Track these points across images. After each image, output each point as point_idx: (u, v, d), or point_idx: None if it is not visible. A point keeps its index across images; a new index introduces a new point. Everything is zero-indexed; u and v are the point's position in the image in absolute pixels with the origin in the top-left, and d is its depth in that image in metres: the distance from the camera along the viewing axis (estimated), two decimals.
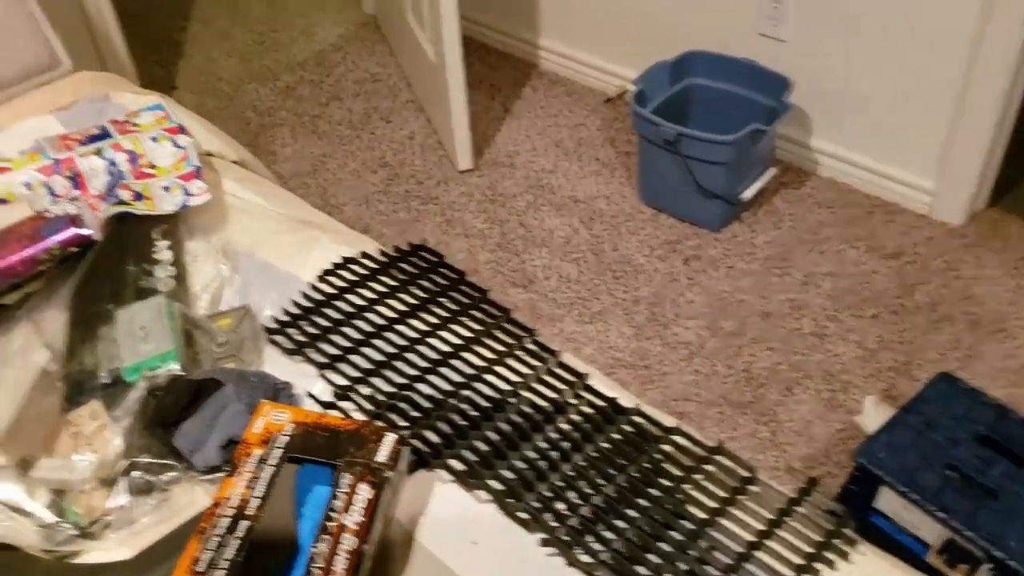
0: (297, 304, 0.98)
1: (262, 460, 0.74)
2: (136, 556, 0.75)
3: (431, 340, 0.94)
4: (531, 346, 0.94)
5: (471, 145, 2.09)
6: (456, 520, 0.78)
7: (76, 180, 1.07)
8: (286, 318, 0.96)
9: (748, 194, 1.80)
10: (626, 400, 0.88)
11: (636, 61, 2.10)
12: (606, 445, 0.83)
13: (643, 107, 1.81)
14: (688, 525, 0.76)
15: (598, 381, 0.91)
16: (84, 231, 0.95)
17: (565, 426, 0.85)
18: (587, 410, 0.86)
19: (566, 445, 0.83)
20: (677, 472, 0.81)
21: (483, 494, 0.80)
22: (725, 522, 0.77)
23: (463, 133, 2.03)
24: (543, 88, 2.37)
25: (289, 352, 0.93)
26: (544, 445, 0.83)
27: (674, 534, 0.76)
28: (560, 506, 0.78)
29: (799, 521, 0.77)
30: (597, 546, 0.75)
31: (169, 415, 0.82)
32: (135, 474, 0.80)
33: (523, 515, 0.78)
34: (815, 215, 1.91)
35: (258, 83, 2.45)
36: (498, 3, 2.46)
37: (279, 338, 0.94)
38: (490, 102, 2.32)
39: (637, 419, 0.86)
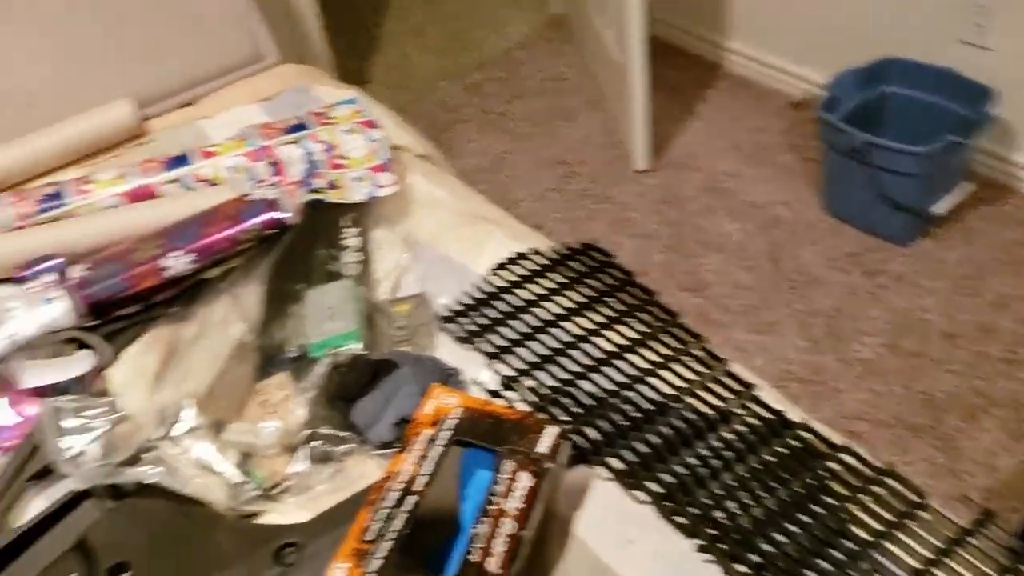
0: (470, 295, 1.02)
1: (431, 440, 0.77)
2: (311, 520, 0.80)
3: (597, 339, 0.95)
4: (698, 352, 0.93)
5: (649, 145, 2.09)
6: (613, 518, 0.79)
7: (276, 167, 1.15)
8: (459, 308, 1.00)
9: (940, 209, 1.70)
10: (794, 414, 0.86)
11: (826, 65, 2.03)
12: (770, 458, 0.81)
13: (831, 113, 1.75)
14: (851, 545, 0.74)
15: (766, 393, 0.89)
16: (281, 215, 1.02)
17: (729, 435, 0.84)
18: (752, 421, 0.85)
19: (728, 454, 0.82)
20: (843, 491, 0.79)
21: (641, 495, 0.80)
22: (890, 546, 0.74)
23: (642, 133, 2.03)
24: (727, 90, 2.33)
25: (460, 340, 0.96)
26: (706, 452, 0.83)
27: (835, 553, 0.74)
28: (719, 515, 0.77)
29: (971, 553, 0.73)
30: (755, 558, 0.74)
31: (349, 391, 0.87)
32: (315, 444, 0.85)
33: (681, 520, 0.78)
34: (1013, 234, 1.79)
35: (448, 79, 2.53)
36: (686, 3, 2.43)
37: (451, 326, 0.98)
38: (671, 103, 2.30)
39: (804, 434, 0.84)
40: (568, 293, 1.01)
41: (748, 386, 0.89)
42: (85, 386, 0.94)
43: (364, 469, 0.85)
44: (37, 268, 1.04)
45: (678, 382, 0.90)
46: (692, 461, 0.82)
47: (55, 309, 0.97)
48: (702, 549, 0.75)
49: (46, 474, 0.86)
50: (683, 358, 0.92)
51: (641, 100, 1.96)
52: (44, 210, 1.12)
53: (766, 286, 1.77)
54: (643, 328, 0.96)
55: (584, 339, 0.95)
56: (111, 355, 0.99)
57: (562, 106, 2.35)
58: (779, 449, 0.82)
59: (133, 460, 0.84)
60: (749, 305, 1.74)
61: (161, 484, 0.81)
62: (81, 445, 0.85)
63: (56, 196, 1.12)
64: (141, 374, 0.95)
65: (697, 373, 0.91)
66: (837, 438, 0.84)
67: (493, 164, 2.20)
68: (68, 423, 0.87)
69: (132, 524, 0.81)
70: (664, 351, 0.93)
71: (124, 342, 1.00)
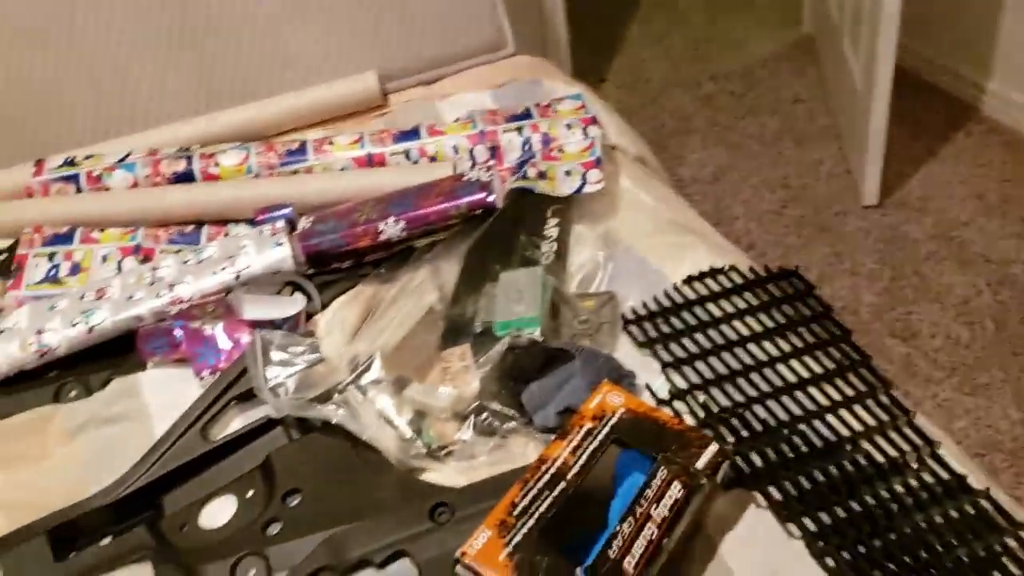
0: (658, 302, 1.02)
1: (590, 433, 0.79)
2: (466, 486, 0.84)
3: (779, 367, 0.93)
4: (884, 399, 0.89)
5: (881, 181, 1.99)
6: (761, 547, 0.78)
7: (495, 152, 1.20)
8: (645, 312, 1.01)
9: None
10: (978, 481, 0.81)
11: None
12: (940, 520, 0.77)
13: None
14: None
15: (950, 453, 0.84)
16: (491, 198, 1.07)
17: (899, 488, 0.80)
18: (928, 479, 0.81)
19: (894, 507, 0.78)
20: (1016, 571, 0.73)
21: (795, 530, 0.78)
22: None
23: (875, 167, 1.94)
24: (977, 134, 2.18)
25: (640, 344, 0.97)
26: (871, 501, 0.79)
27: None
28: (875, 572, 0.74)
29: None
30: None
31: (523, 373, 0.90)
32: (483, 416, 0.89)
33: (830, 563, 0.75)
34: None
35: (682, 88, 2.52)
36: (947, 36, 2.29)
37: (634, 329, 0.99)
38: (912, 140, 2.18)
39: (984, 503, 0.79)
40: (759, 316, 0.99)
41: (931, 442, 0.84)
42: (293, 326, 1.03)
43: (524, 449, 0.88)
44: (271, 214, 1.15)
45: (856, 425, 0.87)
46: (854, 507, 0.79)
47: (280, 253, 1.06)
48: None
49: (247, 398, 0.95)
50: (867, 402, 0.89)
51: (879, 132, 1.87)
52: (286, 163, 1.23)
53: (985, 347, 1.65)
54: (830, 364, 0.93)
55: (766, 365, 0.93)
56: (320, 303, 1.08)
57: (794, 128, 2.29)
58: (952, 513, 0.77)
59: (322, 399, 0.91)
60: (961, 363, 1.63)
61: (343, 425, 0.88)
62: (281, 377, 0.94)
63: (299, 152, 1.23)
64: (342, 324, 1.03)
65: (878, 420, 0.87)
66: (1022, 516, 0.78)
67: (713, 177, 2.18)
68: (274, 356, 0.95)
69: (311, 455, 0.89)
70: (847, 392, 0.90)
71: (333, 293, 1.09)
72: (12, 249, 1.13)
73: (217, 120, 1.30)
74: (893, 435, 0.85)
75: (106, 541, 0.86)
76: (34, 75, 1.31)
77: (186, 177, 1.22)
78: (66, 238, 1.14)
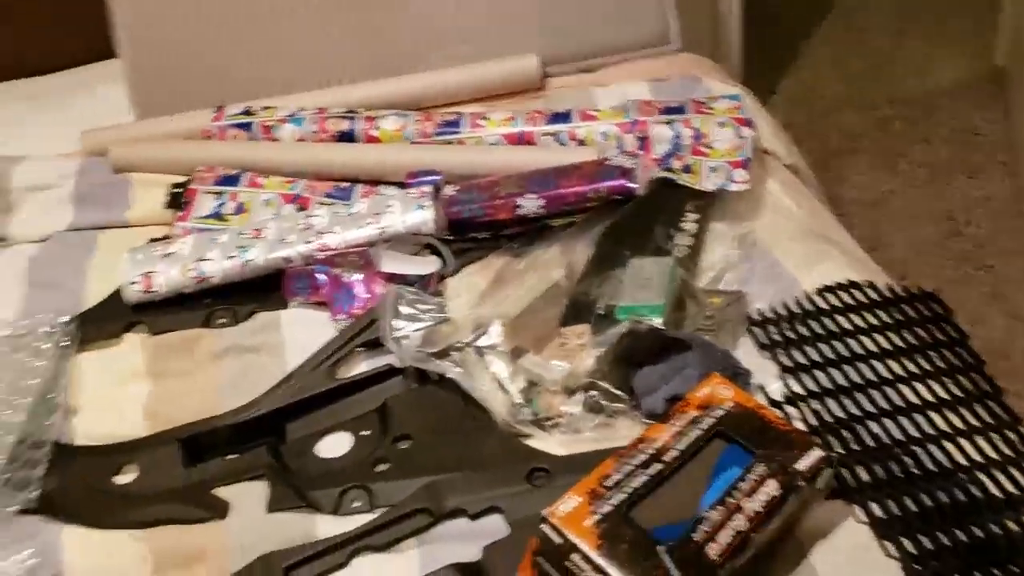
0: (788, 308, 1.01)
1: (694, 421, 0.79)
2: (566, 456, 0.86)
3: (902, 387, 0.90)
4: (1011, 434, 0.85)
5: None
6: (854, 563, 0.76)
7: (643, 142, 1.21)
8: (771, 316, 1.00)
9: None
10: None
11: None
12: None
13: None
14: None
15: None
16: (631, 185, 1.08)
17: (1012, 525, 0.77)
18: None
19: (1004, 543, 0.75)
20: None
21: (892, 549, 0.76)
22: None
23: None
24: None
25: (761, 346, 0.97)
26: (979, 533, 0.76)
27: None
28: None
29: None
30: None
31: (636, 357, 0.91)
32: (592, 393, 0.91)
33: None
34: None
35: (854, 108, 2.45)
36: None
37: (758, 331, 0.98)
38: None
39: None
40: (889, 334, 0.97)
41: None
42: (425, 285, 1.07)
43: (629, 431, 0.89)
44: (420, 179, 1.20)
45: (976, 456, 0.83)
46: (959, 536, 0.76)
47: (422, 216, 1.11)
48: None
49: (375, 345, 1.00)
50: (991, 435, 0.85)
51: None
52: (441, 133, 1.28)
53: None
54: (957, 392, 0.90)
55: (889, 383, 0.91)
56: (454, 267, 1.12)
57: (968, 160, 2.18)
58: None
59: (442, 355, 0.95)
60: None
61: (458, 382, 0.92)
62: (407, 330, 0.99)
63: (454, 124, 1.28)
64: (470, 289, 1.07)
65: (1001, 454, 0.83)
66: None
67: (875, 201, 2.10)
68: (403, 310, 1.00)
69: (425, 406, 0.93)
70: (972, 422, 0.87)
71: (467, 260, 1.13)
72: (185, 185, 1.23)
73: (382, 86, 1.37)
74: (1015, 471, 0.81)
75: (231, 457, 0.93)
76: (223, 28, 1.41)
77: (348, 136, 1.29)
78: (234, 180, 1.22)
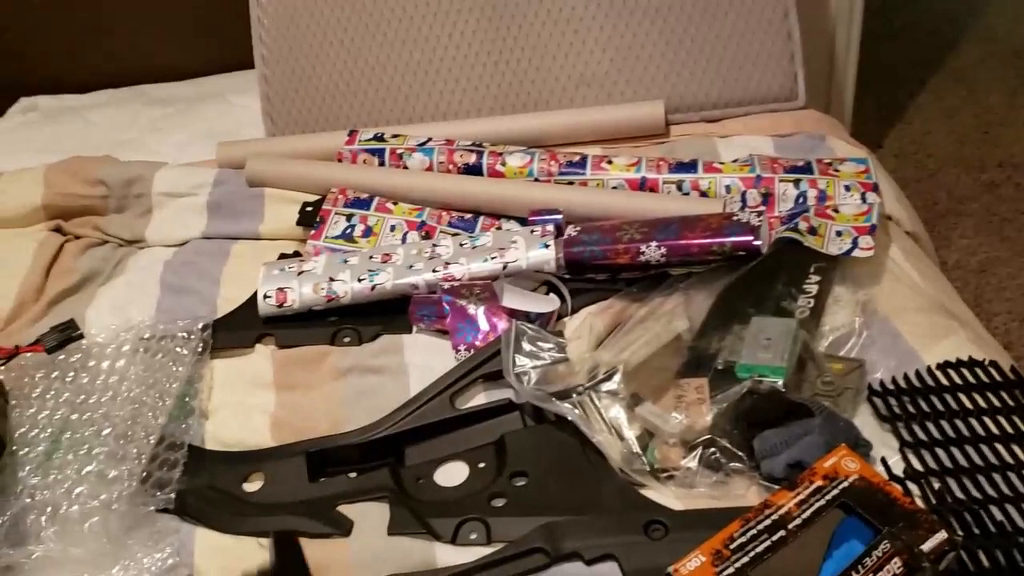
0: (909, 380, 1.01)
1: (819, 491, 0.80)
2: (684, 511, 0.87)
3: None
4: None
5: None
6: None
7: (767, 199, 1.22)
8: (892, 387, 1.00)
9: None
10: None
11: None
12: None
13: None
14: None
15: None
16: (757, 242, 1.09)
17: None
18: None
19: None
20: None
21: None
22: None
23: None
24: None
25: (882, 418, 0.96)
26: None
27: None
28: None
29: None
30: None
31: (759, 418, 0.92)
32: (711, 450, 0.92)
33: None
34: None
35: (963, 169, 2.41)
36: None
37: (879, 402, 0.98)
38: None
39: None
40: (1013, 417, 0.96)
41: None
42: (545, 323, 1.10)
43: (745, 491, 0.90)
44: (542, 217, 1.22)
45: None
46: None
47: (546, 254, 1.14)
48: None
49: (494, 378, 1.03)
50: None
51: None
52: (564, 173, 1.30)
53: None
54: None
55: (1012, 468, 0.90)
56: (571, 307, 1.14)
57: None
58: None
59: (561, 395, 0.97)
60: None
61: (577, 424, 0.94)
62: (527, 367, 1.01)
63: (579, 164, 1.30)
64: (590, 331, 1.09)
65: None
66: None
67: (979, 268, 2.07)
68: (524, 346, 1.03)
69: (542, 444, 0.95)
70: None
71: (583, 301, 1.15)
72: (318, 204, 1.28)
73: (510, 123, 1.40)
74: None
75: (352, 475, 0.96)
76: (362, 54, 1.46)
77: (474, 170, 1.32)
78: (364, 203, 1.27)
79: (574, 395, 0.98)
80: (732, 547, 0.75)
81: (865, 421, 0.97)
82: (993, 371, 1.02)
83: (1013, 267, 2.06)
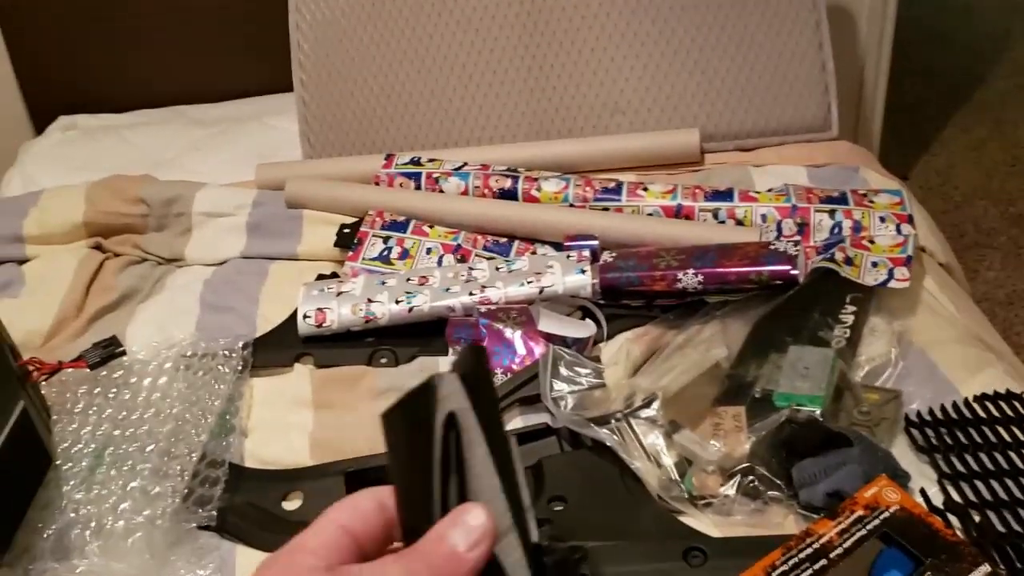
0: (946, 412, 1.01)
1: (860, 520, 0.80)
2: (722, 538, 0.87)
3: None
4: None
5: None
6: None
7: (803, 228, 1.22)
8: (930, 419, 1.00)
9: None
10: None
11: None
12: None
13: None
14: None
15: None
16: (794, 271, 1.09)
17: None
18: None
19: None
20: None
21: None
22: None
23: None
24: None
25: (919, 449, 0.96)
26: None
27: None
28: None
29: None
30: None
31: (798, 446, 0.92)
32: (748, 478, 0.92)
33: None
34: None
35: (990, 201, 2.41)
36: None
37: (916, 433, 0.98)
38: None
39: None
40: None
41: None
42: (581, 348, 1.10)
43: (783, 520, 0.90)
44: (579, 243, 1.23)
45: None
46: None
47: (582, 280, 1.15)
48: None
49: (531, 402, 1.04)
50: None
51: None
52: (600, 199, 1.31)
53: None
54: None
55: None
56: (606, 333, 1.15)
57: None
58: None
59: (598, 421, 0.97)
60: None
61: (615, 450, 0.94)
62: (564, 392, 1.01)
63: (615, 191, 1.31)
64: (626, 357, 1.09)
65: None
66: None
67: (1007, 300, 2.06)
68: (562, 371, 1.03)
69: (580, 470, 0.95)
70: None
71: (621, 326, 1.16)
72: (356, 226, 1.29)
73: (545, 149, 1.42)
74: None
75: None
76: (400, 80, 1.49)
77: (509, 194, 1.33)
78: (401, 226, 1.28)
79: (612, 421, 0.98)
80: (774, 575, 0.76)
81: (902, 452, 0.97)
82: None
83: None
